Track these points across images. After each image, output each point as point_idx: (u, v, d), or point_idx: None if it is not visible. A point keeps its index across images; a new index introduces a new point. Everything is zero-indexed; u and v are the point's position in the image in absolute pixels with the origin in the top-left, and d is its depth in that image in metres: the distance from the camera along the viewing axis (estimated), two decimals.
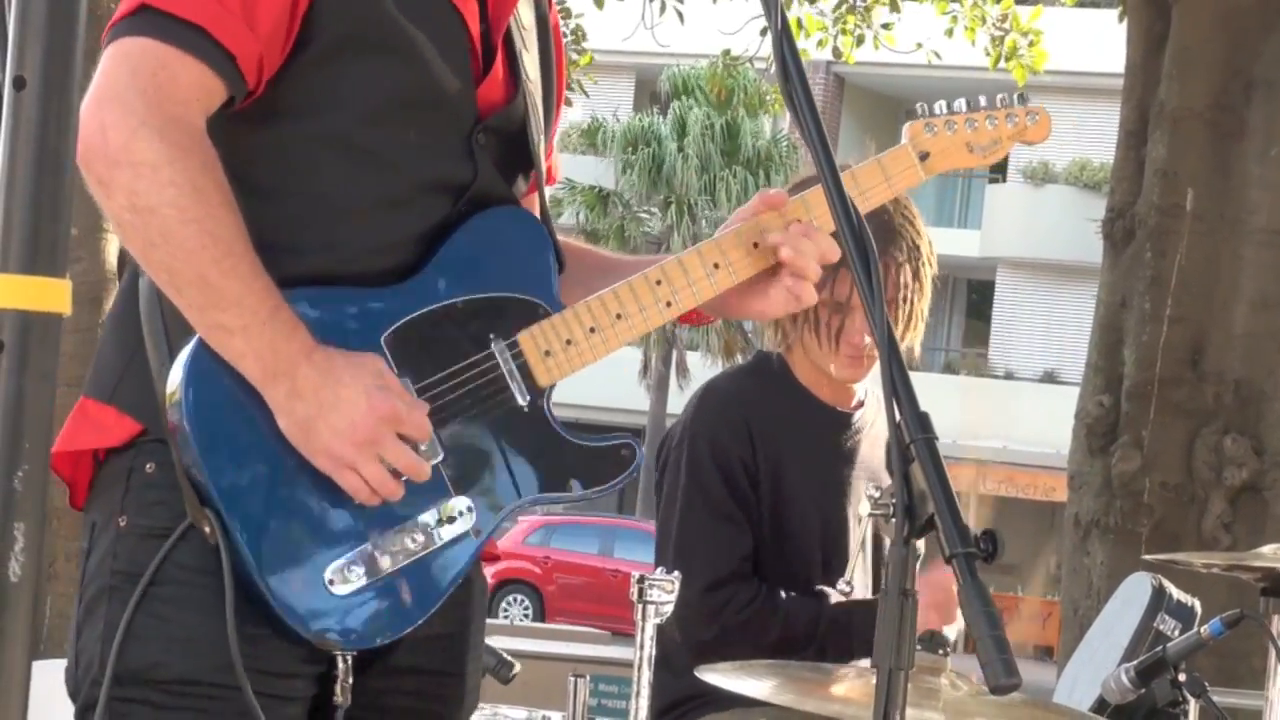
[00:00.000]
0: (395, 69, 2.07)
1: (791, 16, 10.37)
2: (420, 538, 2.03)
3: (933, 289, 3.54)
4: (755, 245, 2.23)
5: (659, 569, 2.73)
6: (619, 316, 2.18)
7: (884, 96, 32.08)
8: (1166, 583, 3.90)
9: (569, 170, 28.43)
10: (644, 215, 34.79)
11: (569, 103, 9.22)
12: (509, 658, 2.98)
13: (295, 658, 2.01)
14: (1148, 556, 4.27)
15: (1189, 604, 3.83)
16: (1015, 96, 2.47)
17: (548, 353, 2.13)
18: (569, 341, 2.15)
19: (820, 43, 11.61)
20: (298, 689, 2.03)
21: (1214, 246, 7.68)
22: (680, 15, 11.07)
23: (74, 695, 2.04)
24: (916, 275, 3.45)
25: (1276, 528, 6.60)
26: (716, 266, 2.22)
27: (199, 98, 1.94)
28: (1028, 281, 30.52)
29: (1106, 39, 8.66)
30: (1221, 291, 7.70)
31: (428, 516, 2.03)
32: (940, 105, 2.41)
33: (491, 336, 2.11)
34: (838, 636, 3.27)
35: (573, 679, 2.77)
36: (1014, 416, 26.88)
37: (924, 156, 2.35)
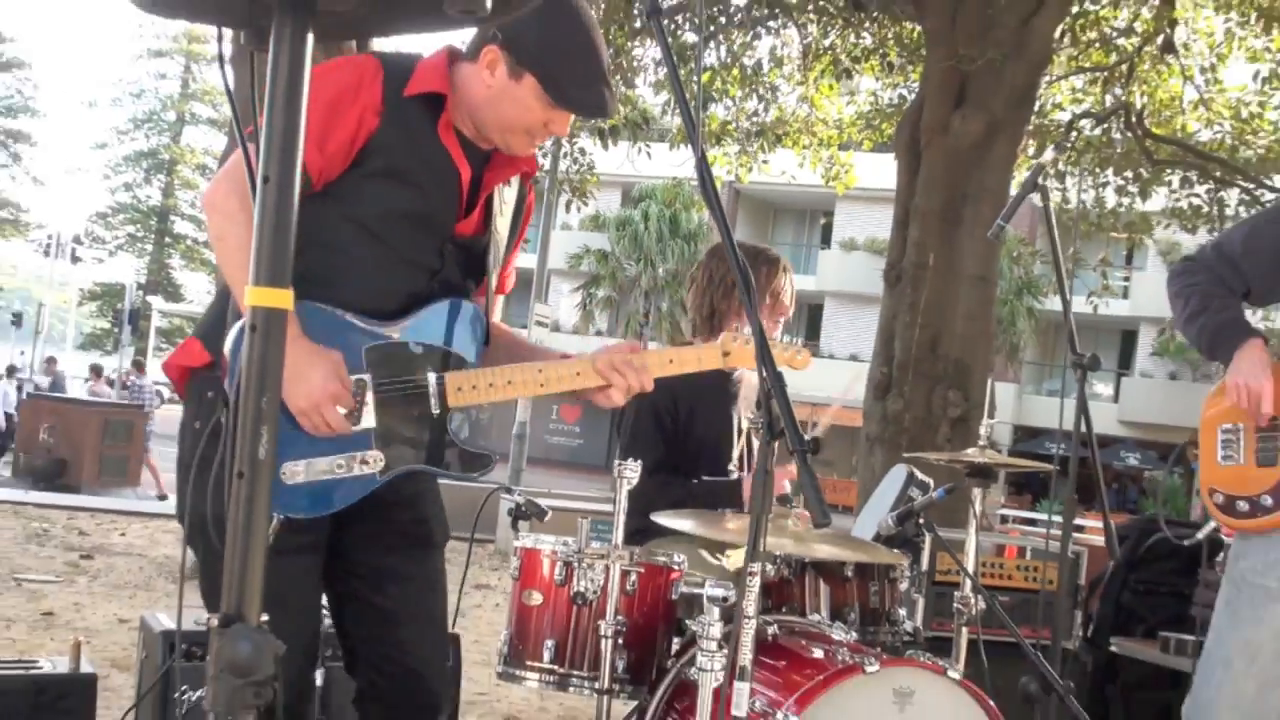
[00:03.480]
0: (407, 194, 3.12)
1: (714, 154, 16.37)
2: (340, 467, 3.04)
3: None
4: (599, 370, 3.30)
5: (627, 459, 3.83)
6: (509, 383, 3.26)
7: (764, 202, 46.98)
8: (915, 470, 5.14)
9: (586, 240, 48.48)
10: (627, 265, 48.42)
11: (585, 203, 18.50)
12: (544, 507, 4.10)
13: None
14: (906, 455, 5.88)
15: (926, 481, 5.05)
16: (799, 341, 4.15)
17: (459, 389, 3.21)
18: (474, 386, 3.22)
19: (727, 170, 16.69)
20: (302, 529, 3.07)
21: (943, 285, 11.44)
22: (649, 154, 16.28)
23: (182, 521, 3.07)
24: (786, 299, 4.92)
25: (974, 442, 8.72)
26: (577, 374, 3.31)
27: None
28: (841, 305, 44.46)
29: (888, 168, 11.67)
30: (947, 310, 11.47)
31: (349, 456, 3.06)
32: (747, 330, 3.54)
33: (430, 370, 3.18)
34: (712, 497, 4.57)
35: (581, 520, 3.88)
36: (836, 379, 33.34)
37: (725, 354, 3.48)
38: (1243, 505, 3.82)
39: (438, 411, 3.19)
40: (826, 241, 45.68)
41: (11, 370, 24.06)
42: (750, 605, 2.84)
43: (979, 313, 11.62)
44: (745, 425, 4.90)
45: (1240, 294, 3.91)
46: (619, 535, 4.08)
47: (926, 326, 11.47)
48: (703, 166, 2.85)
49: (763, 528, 2.72)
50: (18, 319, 46.20)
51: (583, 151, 16.17)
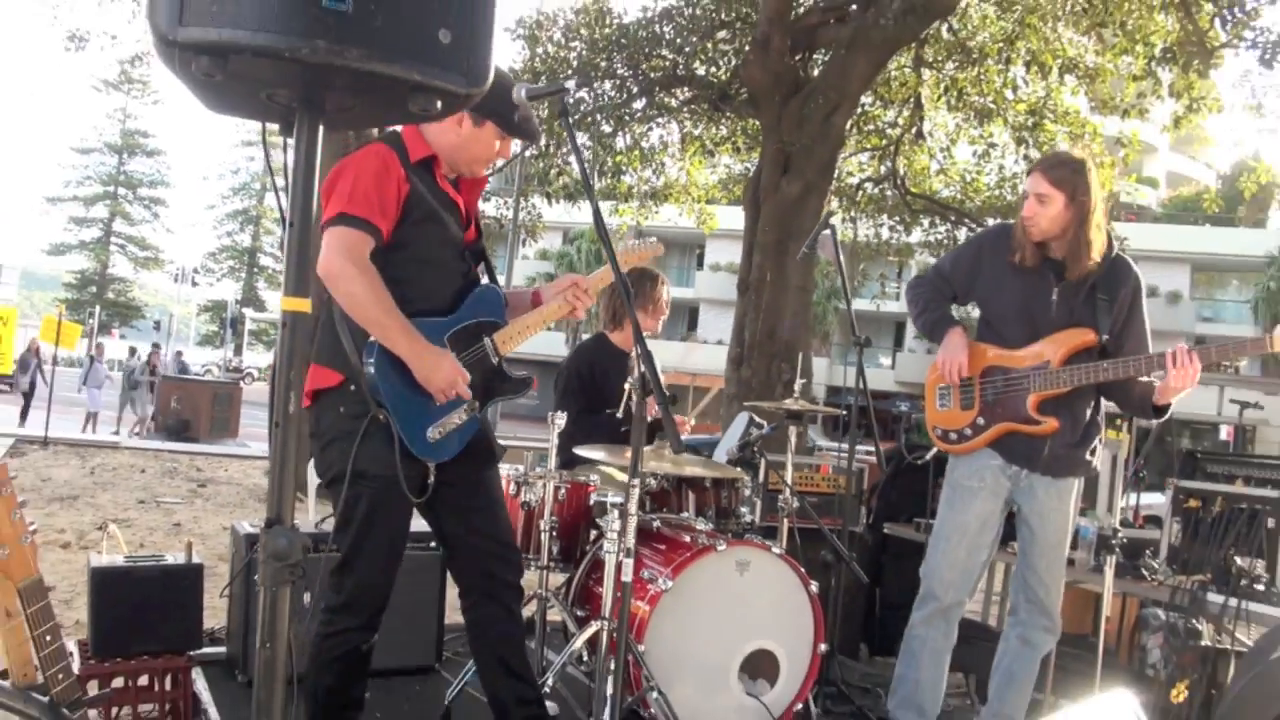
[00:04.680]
0: (437, 229, 3.12)
1: (615, 206, 16.60)
2: (460, 418, 3.10)
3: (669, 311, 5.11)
4: (567, 300, 3.39)
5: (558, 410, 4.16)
6: (528, 326, 3.34)
7: (659, 239, 43.43)
8: (754, 415, 5.20)
9: (537, 267, 43.94)
10: None
11: (536, 241, 18.14)
12: (502, 445, 3.73)
13: (415, 466, 3.03)
14: (746, 405, 5.79)
15: (762, 423, 5.05)
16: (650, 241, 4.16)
17: (504, 341, 3.26)
18: (511, 337, 3.27)
19: (631, 217, 16.56)
20: (417, 476, 3.05)
21: (778, 293, 11.29)
22: (580, 208, 15.05)
23: (324, 475, 3.07)
24: (664, 304, 4.94)
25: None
26: (557, 308, 3.38)
27: (366, 248, 2.93)
28: (711, 307, 43.42)
29: (739, 216, 12.50)
30: (780, 310, 11.29)
31: (459, 410, 3.10)
32: (639, 243, 4.04)
33: (484, 336, 3.22)
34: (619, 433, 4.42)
35: (526, 454, 4.20)
36: (709, 356, 34.50)
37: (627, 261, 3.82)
38: (954, 436, 3.87)
39: (495, 360, 3.26)
40: (701, 265, 45.48)
41: (134, 353, 23.78)
42: (632, 506, 2.84)
43: (801, 311, 11.56)
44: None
45: (950, 298, 3.97)
46: (553, 463, 4.08)
47: (766, 320, 11.42)
48: (597, 215, 2.88)
49: (639, 455, 2.71)
50: (158, 325, 48.64)
51: (534, 206, 16.07)
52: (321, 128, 1.92)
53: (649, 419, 2.89)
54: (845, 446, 4.90)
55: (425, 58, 1.72)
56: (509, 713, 3.27)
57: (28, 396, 20.69)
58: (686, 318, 46.44)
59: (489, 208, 15.79)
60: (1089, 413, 3.78)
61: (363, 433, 2.93)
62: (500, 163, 3.27)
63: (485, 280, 3.35)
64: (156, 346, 26.99)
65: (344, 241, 2.90)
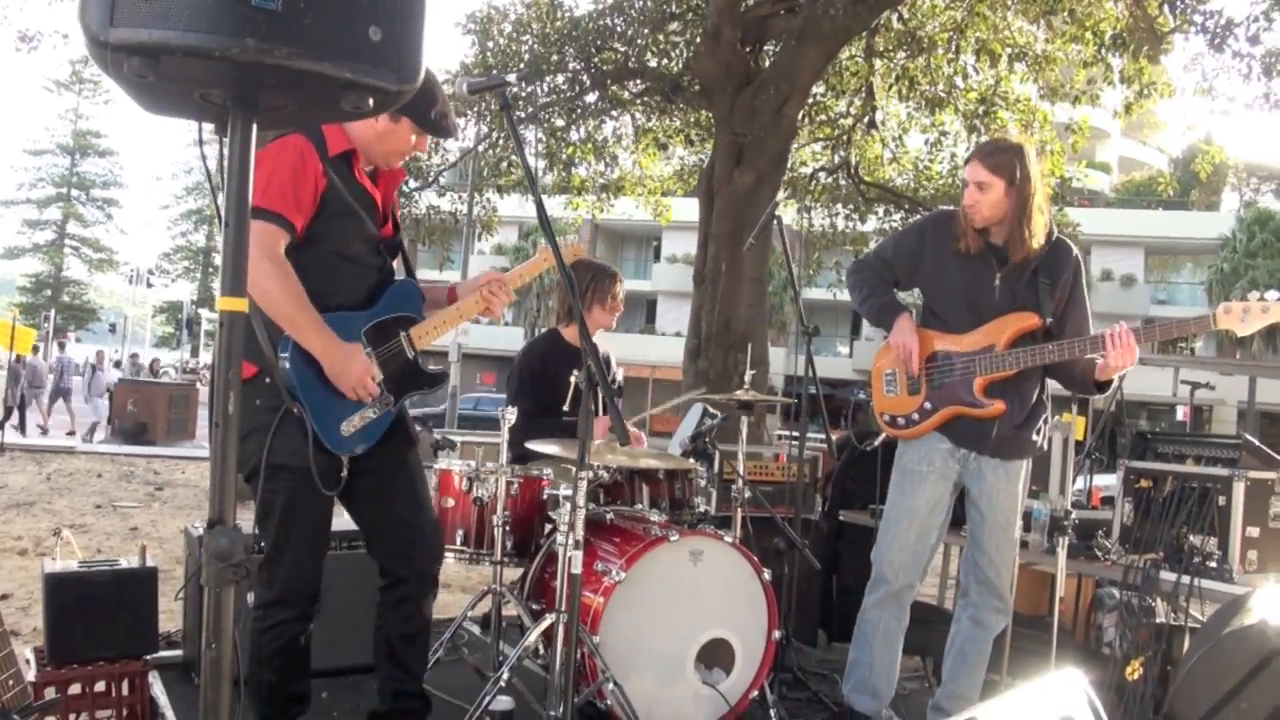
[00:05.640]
0: (354, 223, 3.14)
1: (570, 199, 16.43)
2: (373, 413, 3.11)
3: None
4: (484, 298, 3.47)
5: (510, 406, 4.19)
6: (444, 322, 3.38)
7: (615, 232, 45.55)
8: (708, 406, 5.15)
9: (493, 262, 42.84)
10: None
11: (491, 235, 18.76)
12: (454, 441, 4.32)
13: (329, 458, 3.03)
14: (697, 396, 5.70)
15: (715, 413, 5.03)
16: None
17: (420, 336, 3.27)
18: (427, 331, 3.30)
19: (587, 210, 16.64)
20: (331, 469, 3.04)
21: (733, 285, 11.45)
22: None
23: (242, 469, 3.01)
24: (619, 299, 4.89)
25: (756, 388, 9.83)
26: (475, 303, 3.47)
27: (281, 242, 2.94)
28: (669, 299, 43.15)
29: (694, 207, 12.87)
30: (735, 301, 11.49)
31: (377, 405, 3.12)
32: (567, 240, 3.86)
33: (400, 330, 3.24)
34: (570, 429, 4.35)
35: (476, 449, 4.19)
36: (667, 349, 33.77)
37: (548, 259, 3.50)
38: (901, 421, 3.92)
39: (411, 355, 3.27)
40: (658, 257, 45.39)
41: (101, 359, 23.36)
42: (580, 498, 2.86)
43: (756, 302, 11.65)
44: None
45: (893, 283, 4.01)
46: (504, 457, 4.09)
47: (722, 312, 11.51)
48: (540, 209, 2.92)
49: (587, 448, 2.73)
50: (113, 328, 49.41)
51: (489, 200, 16.03)
52: (256, 126, 1.92)
53: (591, 410, 2.91)
54: (791, 435, 4.94)
55: (355, 55, 1.73)
56: (384, 700, 3.35)
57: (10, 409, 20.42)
58: (644, 310, 46.28)
59: (444, 202, 15.69)
60: (1035, 394, 3.85)
61: (277, 425, 2.96)
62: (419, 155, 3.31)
63: (402, 275, 3.39)
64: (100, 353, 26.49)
65: (258, 236, 2.89)
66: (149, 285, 51.09)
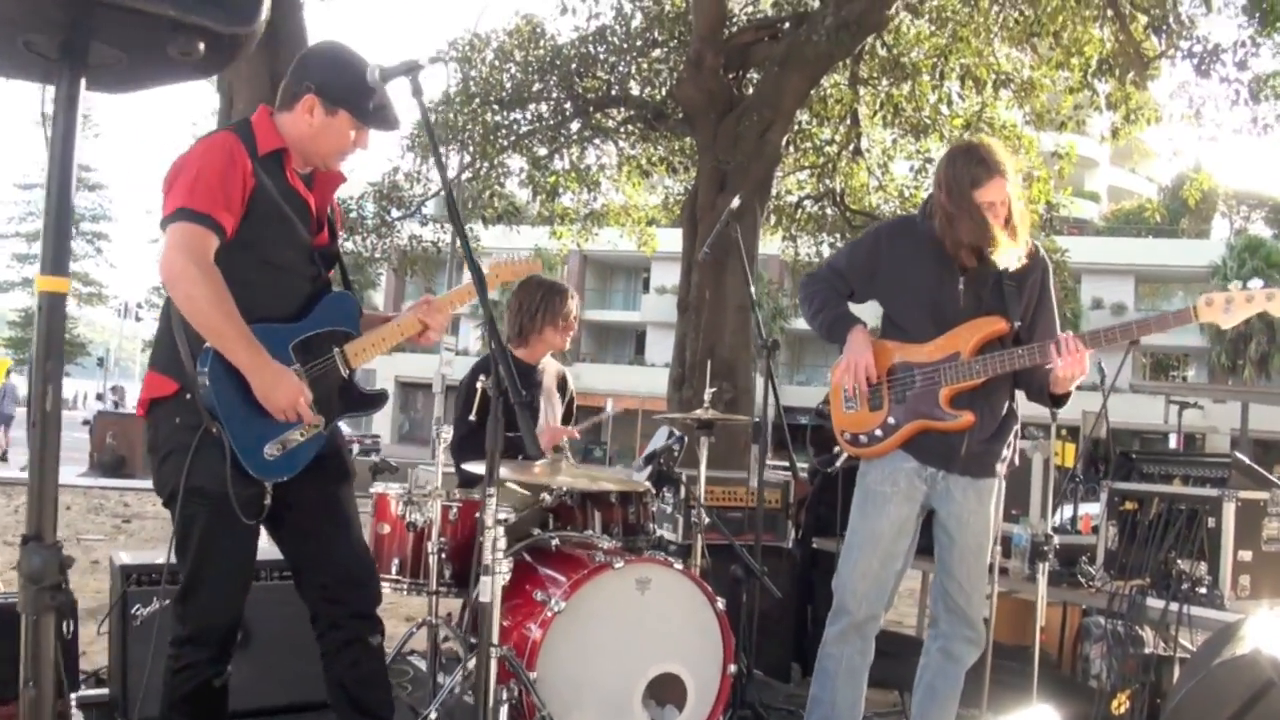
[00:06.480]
0: (282, 228, 2.85)
1: (554, 229, 16.65)
2: (301, 435, 2.83)
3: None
4: (419, 319, 3.16)
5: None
6: (383, 339, 3.08)
7: (603, 263, 45.09)
8: (674, 428, 4.91)
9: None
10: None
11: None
12: (394, 464, 3.71)
13: (251, 485, 2.75)
14: (659, 416, 5.54)
15: (682, 435, 4.79)
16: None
17: (356, 353, 3.00)
18: (364, 349, 3.02)
19: (572, 240, 16.71)
20: (252, 496, 2.76)
21: (716, 312, 11.42)
22: (519, 231, 17.30)
23: (162, 493, 2.80)
24: (573, 318, 4.63)
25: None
26: (414, 323, 3.16)
27: (210, 246, 2.67)
28: (658, 330, 41.37)
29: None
30: (720, 329, 11.41)
31: (302, 426, 2.83)
32: (511, 256, 3.65)
33: (334, 346, 2.97)
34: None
35: (410, 470, 3.93)
36: (654, 378, 33.12)
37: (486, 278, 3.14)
38: (863, 439, 3.63)
39: (346, 373, 3.00)
40: (647, 288, 44.54)
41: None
42: (490, 518, 2.57)
43: (740, 329, 11.41)
44: (541, 401, 4.66)
45: (846, 295, 3.74)
46: (439, 480, 3.81)
47: (706, 339, 11.37)
48: (450, 198, 2.71)
49: (495, 462, 2.45)
50: (101, 362, 50.09)
51: (471, 230, 15.85)
52: (84, 84, 1.67)
53: (500, 419, 2.61)
54: (781, 461, 4.69)
55: None
56: None
57: None
58: (634, 341, 45.88)
59: (426, 232, 15.50)
60: (1005, 405, 3.57)
61: (195, 446, 2.67)
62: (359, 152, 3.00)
63: (339, 287, 3.11)
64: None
65: (185, 239, 2.64)
66: (138, 319, 50.95)
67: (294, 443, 2.82)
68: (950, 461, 3.50)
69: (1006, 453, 3.57)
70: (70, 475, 17.79)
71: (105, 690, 4.13)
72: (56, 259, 1.62)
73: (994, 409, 3.52)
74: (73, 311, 57.68)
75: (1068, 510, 6.03)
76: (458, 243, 14.56)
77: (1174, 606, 3.83)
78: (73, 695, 3.67)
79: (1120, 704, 3.96)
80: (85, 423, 21.65)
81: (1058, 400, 3.48)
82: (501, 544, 2.59)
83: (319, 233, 3.02)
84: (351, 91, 2.80)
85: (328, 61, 2.91)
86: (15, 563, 5.63)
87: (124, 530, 10.59)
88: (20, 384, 21.93)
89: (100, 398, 25.64)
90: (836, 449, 3.82)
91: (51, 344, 1.62)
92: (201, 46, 1.56)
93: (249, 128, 2.88)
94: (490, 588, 2.47)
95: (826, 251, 15.58)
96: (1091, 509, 6.37)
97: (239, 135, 2.82)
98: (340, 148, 2.96)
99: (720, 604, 3.67)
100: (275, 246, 2.85)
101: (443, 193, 2.57)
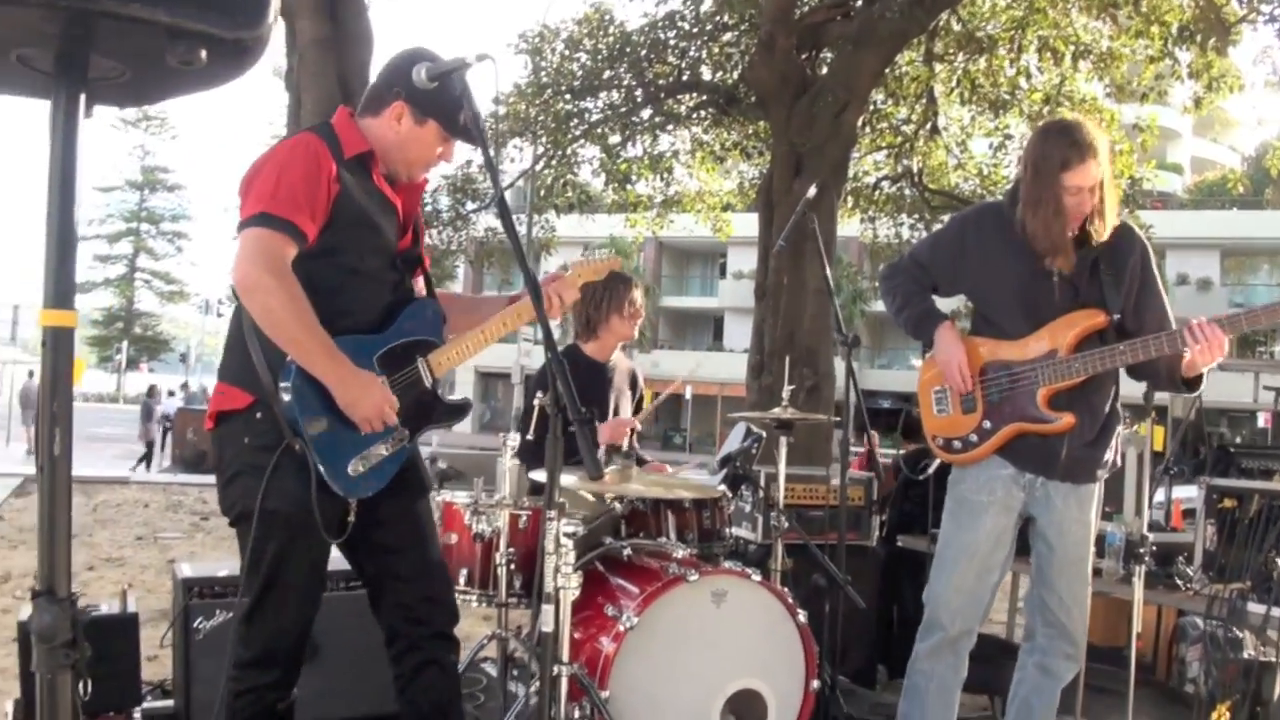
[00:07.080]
0: (368, 233, 2.70)
1: (629, 217, 16.52)
2: (387, 449, 2.70)
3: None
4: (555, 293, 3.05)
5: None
6: (467, 347, 2.89)
7: (680, 250, 43.99)
8: (751, 425, 4.82)
9: None
10: None
11: (550, 255, 16.85)
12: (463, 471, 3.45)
13: (335, 503, 2.59)
14: (737, 415, 5.24)
15: (760, 433, 4.65)
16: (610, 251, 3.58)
17: (439, 363, 2.84)
18: (448, 358, 2.85)
19: (647, 227, 16.35)
20: (336, 514, 2.61)
21: (795, 295, 11.00)
22: (593, 220, 17.01)
23: (229, 513, 2.66)
24: (638, 305, 4.51)
25: (824, 407, 10.59)
26: (504, 324, 3.00)
27: (289, 253, 2.51)
28: (736, 315, 40.10)
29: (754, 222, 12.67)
30: (799, 314, 10.97)
31: (387, 439, 2.70)
32: (590, 255, 3.43)
33: (418, 356, 2.80)
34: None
35: (475, 479, 3.57)
36: (733, 364, 31.82)
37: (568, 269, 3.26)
38: (957, 444, 3.37)
39: (429, 384, 2.84)
40: (724, 274, 43.67)
41: (152, 391, 23.40)
42: (550, 543, 2.37)
43: (820, 313, 11.00)
44: (613, 399, 4.48)
45: (930, 289, 3.46)
46: (507, 488, 3.65)
47: (785, 326, 11.03)
48: (503, 206, 2.55)
49: (555, 484, 2.25)
50: (184, 358, 50.46)
51: (547, 220, 15.76)
52: (85, 99, 1.51)
53: (559, 436, 2.40)
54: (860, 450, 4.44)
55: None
56: None
57: (151, 445, 20.70)
58: (712, 328, 45.28)
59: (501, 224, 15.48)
60: (1108, 405, 3.28)
61: (274, 465, 2.51)
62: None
63: (422, 293, 2.93)
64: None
65: (263, 246, 2.48)
66: (219, 315, 52.04)
67: (378, 457, 2.68)
68: (1050, 467, 3.23)
69: (1109, 456, 3.29)
70: (122, 468, 18.13)
71: (170, 702, 4.05)
72: (60, 291, 1.46)
73: (1095, 410, 3.23)
74: (155, 309, 59.31)
75: (1159, 495, 5.70)
76: (534, 231, 14.55)
77: (1275, 611, 3.60)
78: (136, 710, 3.57)
79: (1220, 715, 3.76)
80: (165, 418, 21.92)
81: (1191, 385, 3.21)
82: (566, 568, 2.39)
83: (403, 236, 2.86)
84: (444, 102, 2.66)
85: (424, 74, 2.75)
86: (90, 563, 5.51)
87: (201, 528, 10.61)
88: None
89: (172, 394, 26.09)
90: (920, 446, 3.57)
91: (58, 382, 1.45)
92: (204, 54, 1.38)
93: (331, 130, 2.73)
94: (553, 615, 2.26)
95: (906, 233, 15.18)
96: (1182, 493, 6.02)
97: (321, 137, 2.67)
98: (426, 159, 2.83)
99: (801, 616, 3.45)
100: (359, 254, 2.70)
101: (517, 183, 2.40)
